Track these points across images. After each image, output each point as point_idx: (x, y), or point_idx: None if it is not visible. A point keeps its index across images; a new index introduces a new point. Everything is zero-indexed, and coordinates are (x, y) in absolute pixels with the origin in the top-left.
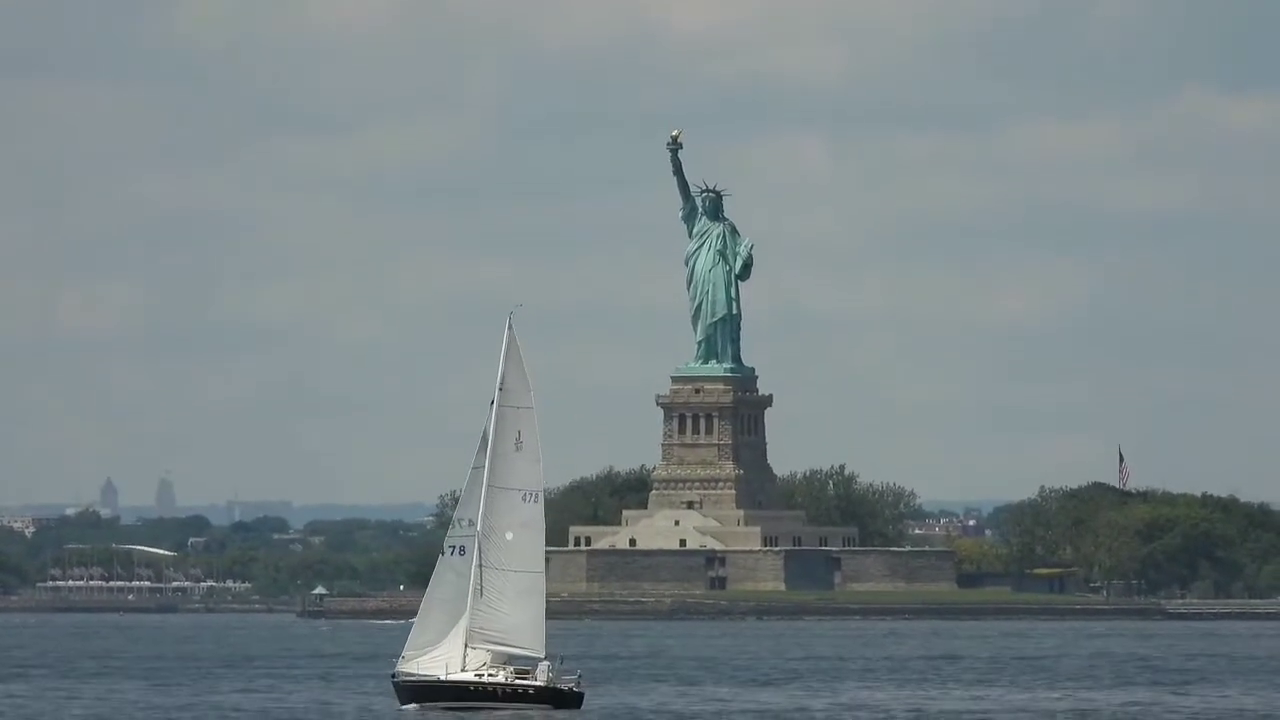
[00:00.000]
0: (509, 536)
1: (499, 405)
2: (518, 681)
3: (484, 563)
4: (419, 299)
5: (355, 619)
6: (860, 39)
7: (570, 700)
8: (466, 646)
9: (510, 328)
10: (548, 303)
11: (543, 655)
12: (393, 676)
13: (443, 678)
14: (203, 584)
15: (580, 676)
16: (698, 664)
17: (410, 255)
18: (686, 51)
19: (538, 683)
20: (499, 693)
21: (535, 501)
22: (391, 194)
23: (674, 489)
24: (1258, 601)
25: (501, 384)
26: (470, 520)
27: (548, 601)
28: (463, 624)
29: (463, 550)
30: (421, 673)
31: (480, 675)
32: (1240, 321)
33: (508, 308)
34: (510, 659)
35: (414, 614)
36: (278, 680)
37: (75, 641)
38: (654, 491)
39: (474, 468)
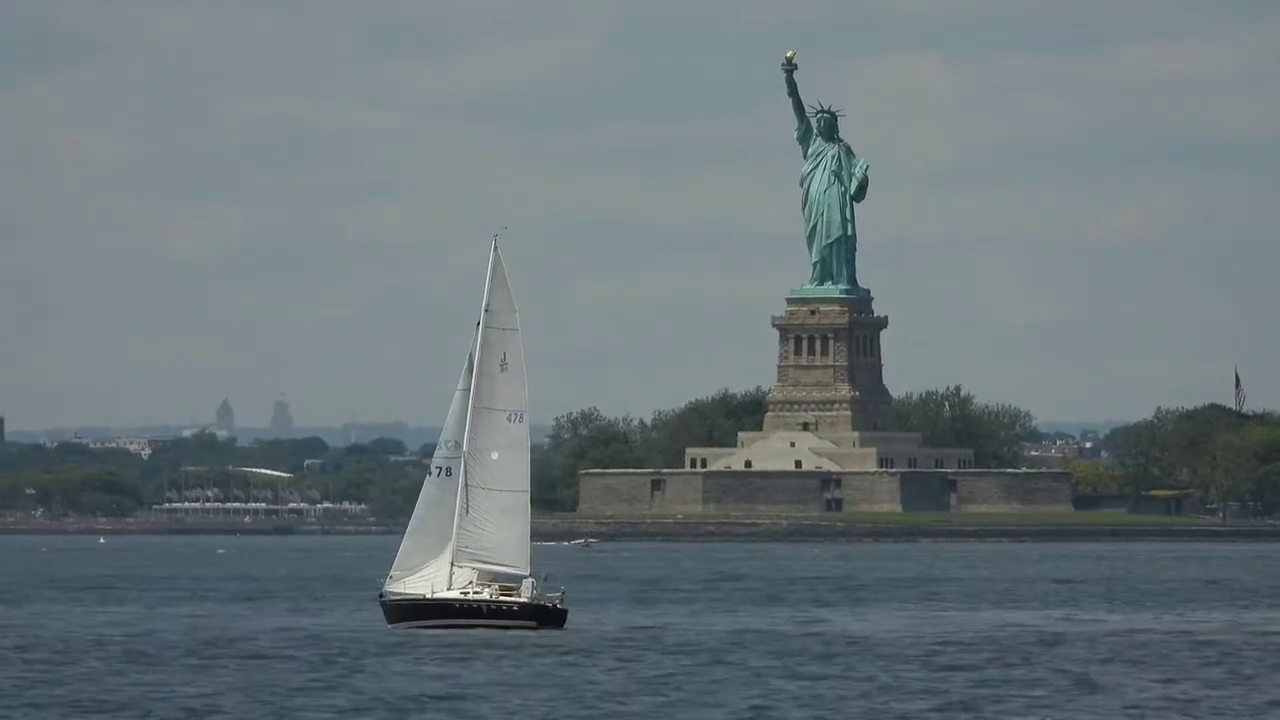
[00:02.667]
0: (494, 456)
1: (485, 327)
2: (501, 599)
3: (470, 482)
4: (531, 219)
5: None
6: None
7: (554, 617)
8: (452, 565)
9: (495, 250)
10: (663, 224)
11: (527, 573)
12: (380, 596)
13: (428, 596)
14: (319, 506)
15: (563, 594)
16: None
17: (523, 175)
18: None
19: (522, 600)
20: (483, 610)
21: (520, 422)
22: (505, 114)
23: (790, 410)
24: None
25: (487, 306)
26: (456, 442)
27: (664, 523)
28: (449, 544)
29: (449, 471)
30: (408, 592)
31: (466, 593)
32: None
33: (623, 227)
34: (495, 577)
35: (530, 536)
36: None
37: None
38: (770, 413)
39: (459, 389)
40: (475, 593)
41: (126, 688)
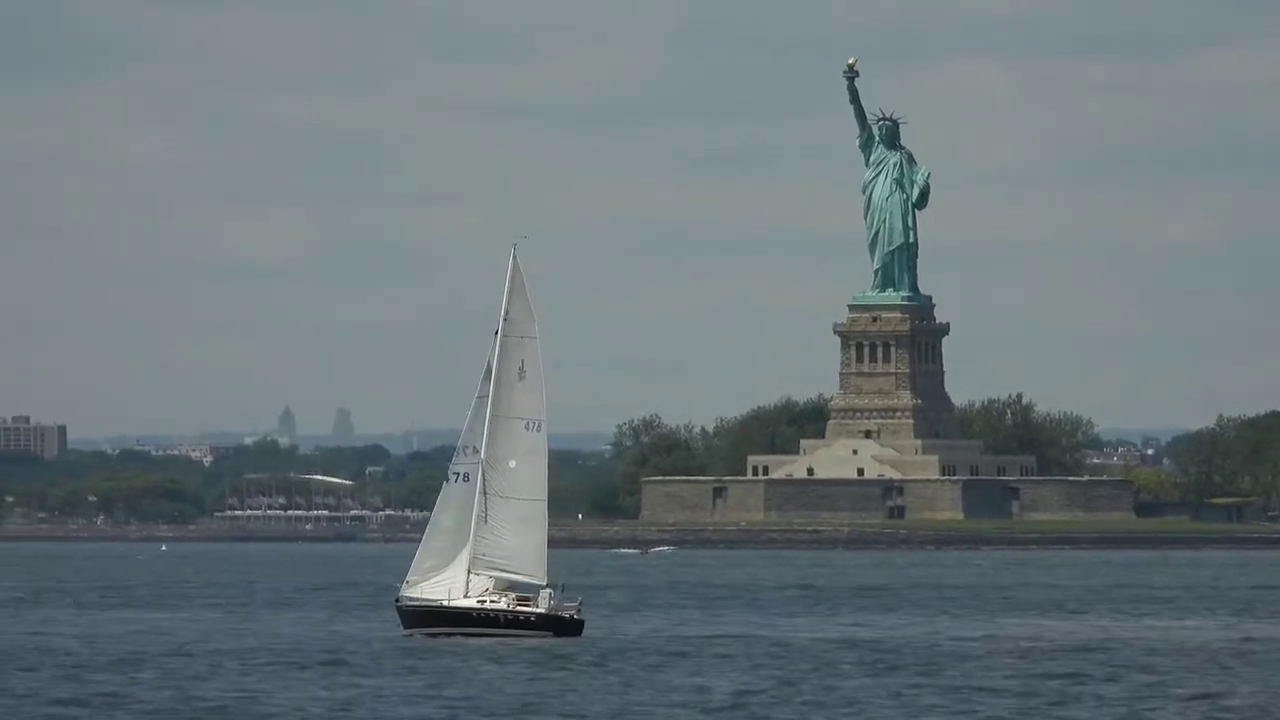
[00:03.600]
0: (512, 465)
1: (503, 335)
2: (519, 608)
3: (487, 490)
4: (591, 223)
5: None
6: None
7: (571, 628)
8: (469, 572)
9: (514, 258)
10: (724, 230)
11: (544, 582)
12: (396, 601)
13: (445, 603)
14: (381, 513)
15: (580, 604)
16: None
17: (583, 179)
18: None
19: (539, 610)
20: (500, 619)
21: (538, 430)
22: (564, 117)
23: (852, 418)
24: None
25: (506, 314)
26: (474, 448)
27: (726, 531)
28: (466, 551)
29: (467, 478)
30: (425, 597)
31: (483, 601)
32: None
33: (684, 234)
34: (512, 585)
35: (592, 543)
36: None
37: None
38: (832, 420)
39: (478, 397)
40: (492, 601)
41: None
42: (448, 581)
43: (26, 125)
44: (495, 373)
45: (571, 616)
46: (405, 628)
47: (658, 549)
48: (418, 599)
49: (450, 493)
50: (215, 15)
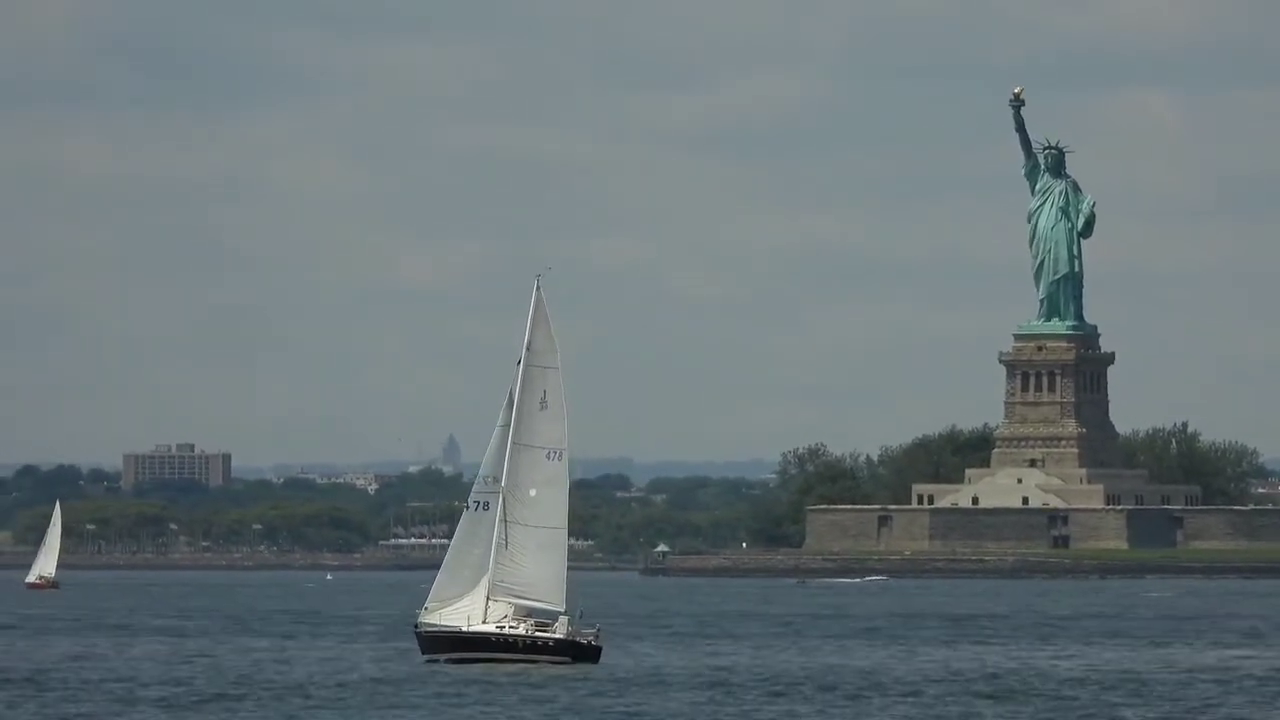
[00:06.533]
0: (532, 493)
1: (525, 365)
2: (537, 634)
3: (507, 518)
4: (757, 251)
5: (697, 577)
6: None
7: (589, 653)
8: (488, 599)
9: (538, 289)
10: (889, 258)
11: (562, 609)
12: (415, 628)
13: (464, 629)
14: None
15: (599, 630)
16: None
17: (749, 207)
18: (1033, 4)
19: (557, 635)
20: (519, 644)
21: (559, 459)
22: (730, 145)
23: (1017, 447)
24: None
25: (528, 345)
26: (495, 477)
27: (889, 559)
28: (485, 578)
29: (487, 506)
30: (444, 624)
31: (501, 627)
32: None
33: (849, 261)
34: (531, 612)
35: (756, 572)
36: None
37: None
38: (997, 449)
39: (499, 425)
40: (511, 627)
41: None
42: (467, 608)
43: (199, 154)
44: (517, 402)
45: (589, 642)
46: (424, 654)
47: (870, 579)
48: (437, 625)
49: (470, 521)
50: (390, 44)
